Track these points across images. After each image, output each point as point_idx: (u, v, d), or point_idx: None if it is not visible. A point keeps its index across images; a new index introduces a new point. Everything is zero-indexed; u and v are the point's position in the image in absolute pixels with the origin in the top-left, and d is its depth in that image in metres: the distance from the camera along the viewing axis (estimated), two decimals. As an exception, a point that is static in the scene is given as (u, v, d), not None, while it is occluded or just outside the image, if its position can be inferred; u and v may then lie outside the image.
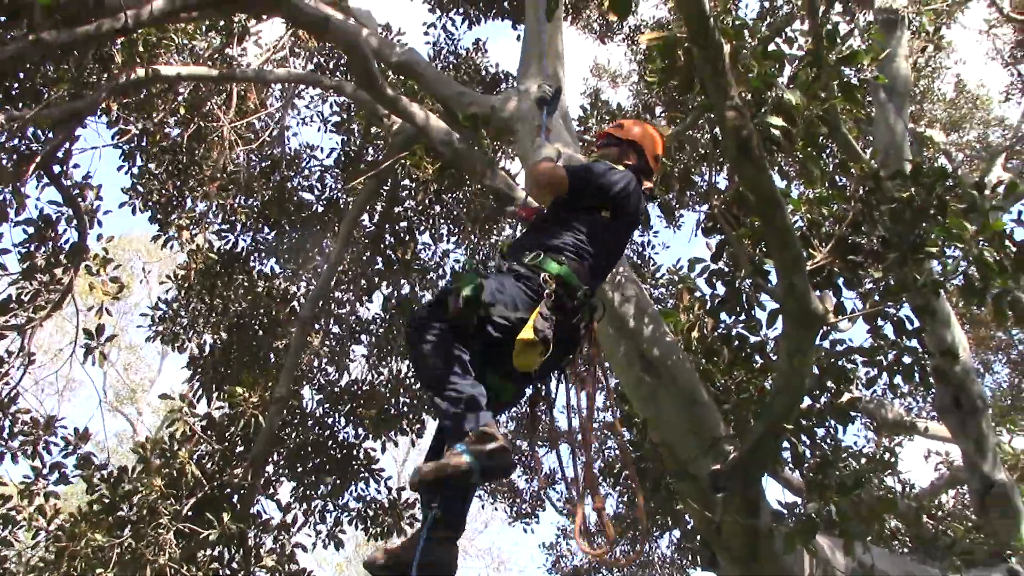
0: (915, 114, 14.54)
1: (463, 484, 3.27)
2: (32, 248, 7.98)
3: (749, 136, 4.15)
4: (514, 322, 3.52)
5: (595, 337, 4.00)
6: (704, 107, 5.60)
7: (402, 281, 10.48)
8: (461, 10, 12.23)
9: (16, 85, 7.03)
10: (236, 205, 9.92)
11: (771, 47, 5.04)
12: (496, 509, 15.56)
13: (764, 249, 5.56)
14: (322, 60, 10.60)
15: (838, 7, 8.70)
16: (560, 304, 3.65)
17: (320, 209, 10.10)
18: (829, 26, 5.50)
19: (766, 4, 11.04)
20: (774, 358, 6.26)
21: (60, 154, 7.84)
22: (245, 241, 10.12)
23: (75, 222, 8.03)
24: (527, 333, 3.42)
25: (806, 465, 5.90)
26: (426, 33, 12.26)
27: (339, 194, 10.11)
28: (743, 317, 5.94)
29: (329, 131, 10.82)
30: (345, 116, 10.53)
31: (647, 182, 4.31)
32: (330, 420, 10.32)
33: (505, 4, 12.41)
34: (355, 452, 9.82)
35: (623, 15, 3.98)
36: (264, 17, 8.99)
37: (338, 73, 10.08)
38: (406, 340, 3.67)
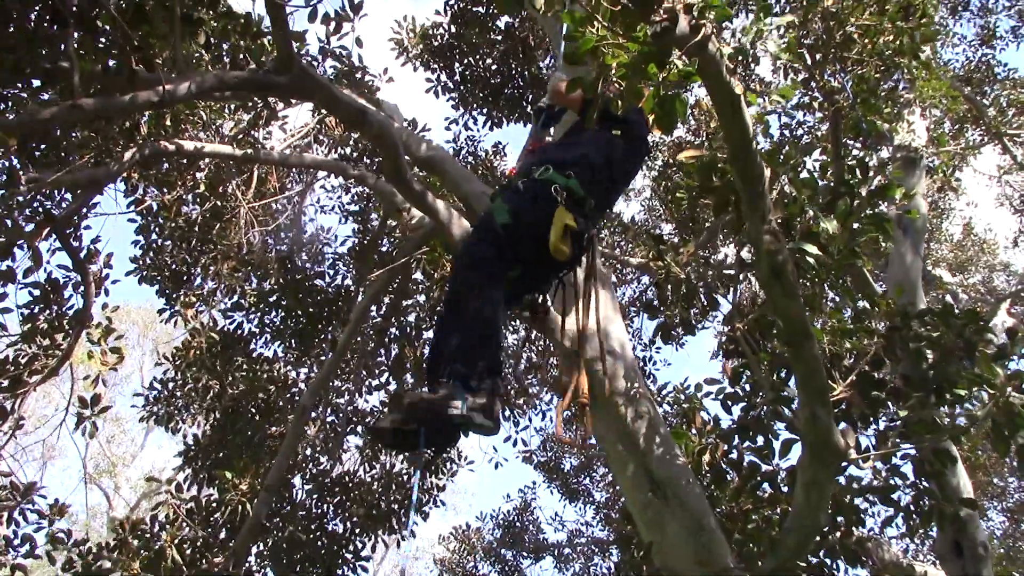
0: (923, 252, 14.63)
1: (438, 427, 3.33)
2: (35, 311, 7.87)
3: (784, 262, 4.08)
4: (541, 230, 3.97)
5: (595, 250, 4.61)
6: (732, 228, 5.55)
7: (404, 376, 10.33)
8: (484, 110, 12.42)
9: (43, 147, 7.01)
10: (245, 286, 9.84)
11: (803, 175, 5.05)
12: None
13: (784, 376, 5.46)
14: (346, 150, 10.65)
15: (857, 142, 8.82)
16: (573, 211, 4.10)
17: (330, 296, 10.02)
18: (853, 159, 5.52)
19: (786, 133, 11.17)
20: (784, 489, 6.10)
21: (74, 219, 7.80)
22: (250, 323, 10.01)
23: (82, 288, 7.93)
24: (567, 219, 3.94)
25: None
26: (448, 128, 12.50)
27: (350, 283, 10.05)
28: (756, 444, 5.79)
29: (345, 220, 10.88)
30: (363, 206, 10.57)
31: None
32: (319, 512, 10.06)
33: (528, 110, 12.61)
34: (342, 546, 9.53)
35: (668, 132, 3.96)
36: (294, 102, 9.08)
37: (361, 164, 10.13)
38: (460, 278, 3.97)
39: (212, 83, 5.07)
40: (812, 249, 4.39)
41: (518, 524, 14.44)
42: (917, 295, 8.87)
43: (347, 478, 10.61)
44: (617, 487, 14.09)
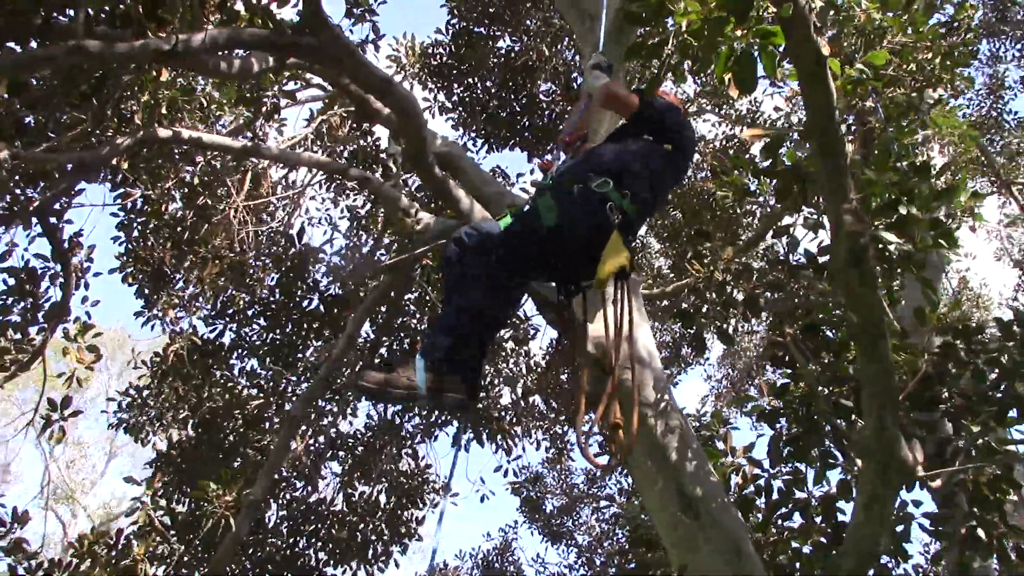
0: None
1: (404, 403, 3.40)
2: (9, 302, 7.33)
3: (865, 246, 3.68)
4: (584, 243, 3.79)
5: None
6: (777, 232, 5.18)
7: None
8: (483, 131, 12.07)
9: (28, 121, 6.52)
10: (233, 293, 9.29)
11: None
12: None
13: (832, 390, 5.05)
14: (343, 160, 10.17)
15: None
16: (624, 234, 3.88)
17: (322, 309, 9.50)
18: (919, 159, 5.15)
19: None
20: (818, 520, 5.65)
21: (57, 206, 7.30)
22: (232, 332, 9.44)
23: (60, 280, 7.40)
24: (624, 260, 3.68)
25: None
26: (447, 147, 12.09)
27: (341, 296, 9.51)
28: (798, 464, 5.35)
29: (332, 235, 10.46)
30: (357, 220, 10.15)
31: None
32: (293, 540, 9.44)
33: (528, 136, 12.27)
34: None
35: (747, 92, 3.57)
36: (299, 97, 8.68)
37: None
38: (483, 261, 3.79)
39: (226, 38, 4.66)
40: (893, 238, 3.99)
41: (497, 564, 13.86)
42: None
43: (324, 506, 10.03)
44: (633, 516, 13.50)
